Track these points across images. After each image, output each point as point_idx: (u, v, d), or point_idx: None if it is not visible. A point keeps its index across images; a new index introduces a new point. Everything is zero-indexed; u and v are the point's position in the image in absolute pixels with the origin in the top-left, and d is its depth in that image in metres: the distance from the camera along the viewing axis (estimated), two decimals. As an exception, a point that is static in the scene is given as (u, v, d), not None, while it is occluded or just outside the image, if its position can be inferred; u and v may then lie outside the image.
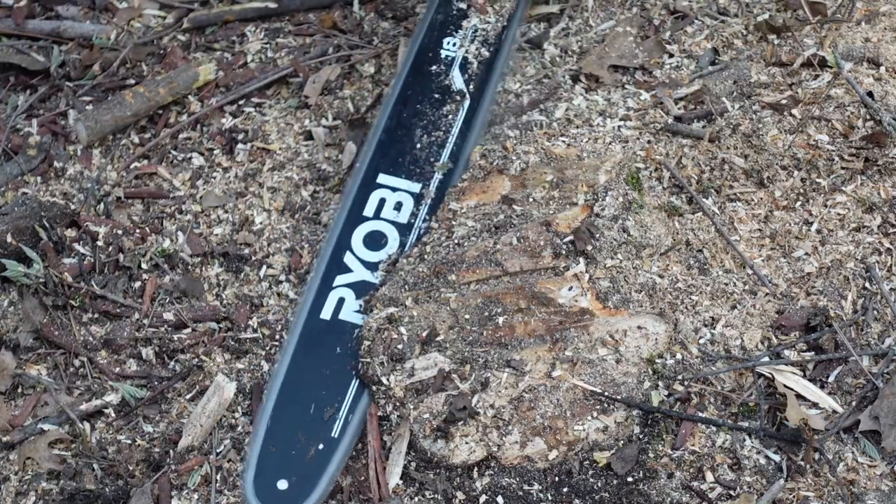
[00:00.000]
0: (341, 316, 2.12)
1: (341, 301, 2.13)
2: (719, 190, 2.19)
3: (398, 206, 2.25)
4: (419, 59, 2.48)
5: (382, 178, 2.28)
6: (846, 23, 2.45)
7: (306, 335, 2.10)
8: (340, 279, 2.16)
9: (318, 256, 2.26)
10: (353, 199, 2.26)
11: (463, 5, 2.54)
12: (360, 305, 2.12)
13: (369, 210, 2.24)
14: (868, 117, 2.21)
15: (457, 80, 2.42)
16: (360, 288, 2.14)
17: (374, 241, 2.21)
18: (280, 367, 2.07)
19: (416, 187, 2.27)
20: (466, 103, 2.39)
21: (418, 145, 2.33)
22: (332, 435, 1.98)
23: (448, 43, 2.49)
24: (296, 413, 2.01)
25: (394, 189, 2.27)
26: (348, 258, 2.19)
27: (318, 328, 2.11)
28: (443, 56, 2.47)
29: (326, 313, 2.12)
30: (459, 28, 2.51)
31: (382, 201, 2.25)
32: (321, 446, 1.97)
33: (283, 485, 1.93)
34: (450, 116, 2.37)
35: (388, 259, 2.17)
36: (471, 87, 2.42)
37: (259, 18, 2.76)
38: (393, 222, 2.23)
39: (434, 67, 2.45)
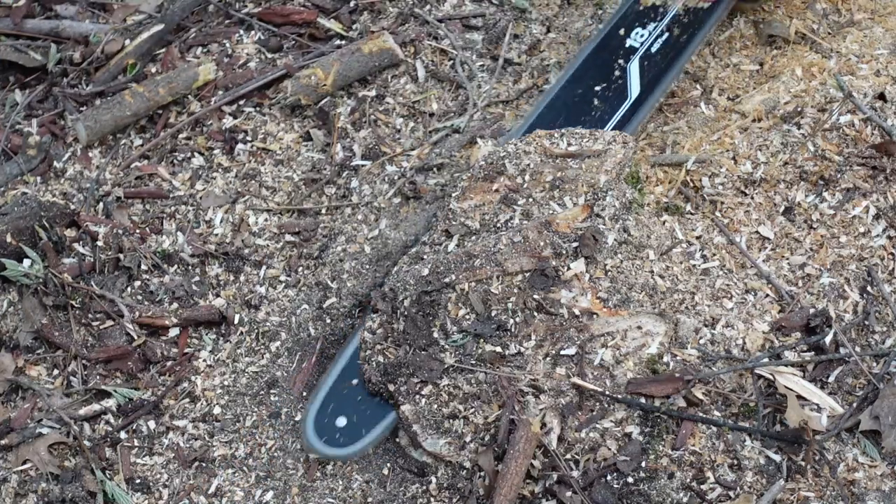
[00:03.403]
0: None
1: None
2: (720, 190, 2.19)
3: None
4: (601, 46, 2.44)
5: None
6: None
7: None
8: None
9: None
10: None
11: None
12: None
13: None
14: (875, 127, 2.20)
15: (632, 74, 2.38)
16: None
17: None
18: None
19: None
20: (630, 101, 2.36)
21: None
22: None
23: (636, 34, 2.45)
24: None
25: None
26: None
27: None
28: (627, 46, 2.43)
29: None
30: (653, 20, 2.46)
31: None
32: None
33: (341, 421, 2.01)
34: (611, 111, 2.35)
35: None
36: (643, 83, 2.38)
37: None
38: None
39: (612, 57, 2.42)
